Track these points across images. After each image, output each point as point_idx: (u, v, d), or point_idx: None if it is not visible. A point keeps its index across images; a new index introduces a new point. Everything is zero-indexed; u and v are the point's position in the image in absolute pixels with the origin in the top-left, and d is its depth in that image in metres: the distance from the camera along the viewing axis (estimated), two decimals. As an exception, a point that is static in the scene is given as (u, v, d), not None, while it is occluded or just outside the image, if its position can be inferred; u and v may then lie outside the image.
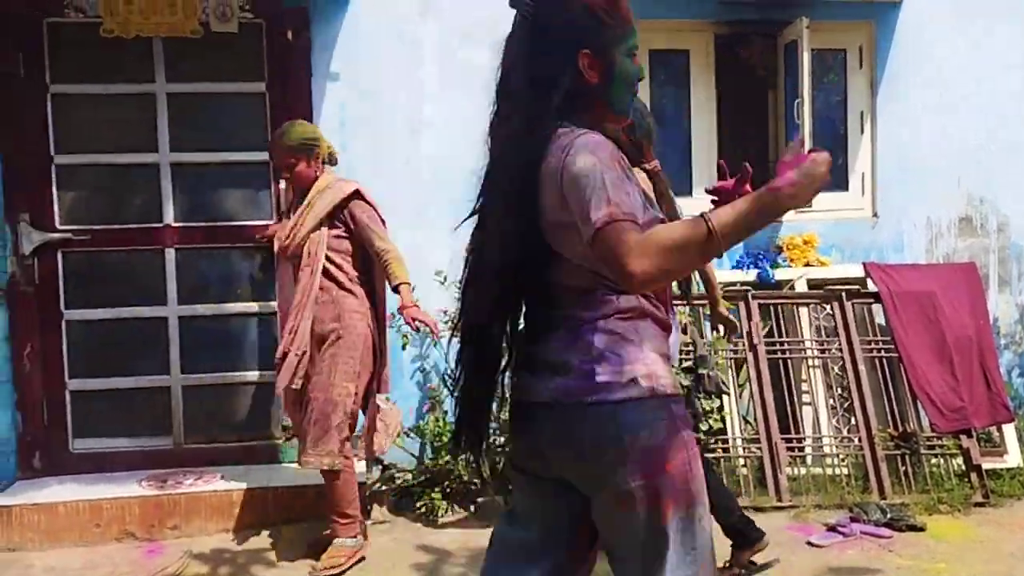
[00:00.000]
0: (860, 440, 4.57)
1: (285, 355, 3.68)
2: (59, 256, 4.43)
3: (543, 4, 1.75)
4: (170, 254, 4.51)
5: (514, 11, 1.79)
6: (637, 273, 1.50)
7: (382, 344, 3.86)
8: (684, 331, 4.78)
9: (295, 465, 4.06)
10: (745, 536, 3.55)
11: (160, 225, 4.51)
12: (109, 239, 4.46)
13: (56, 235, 4.40)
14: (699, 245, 1.52)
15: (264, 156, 4.47)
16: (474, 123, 4.99)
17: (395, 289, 3.65)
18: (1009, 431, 4.80)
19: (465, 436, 1.87)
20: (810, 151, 1.60)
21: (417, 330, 3.72)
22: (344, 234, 3.72)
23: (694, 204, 5.09)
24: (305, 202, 3.73)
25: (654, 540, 1.68)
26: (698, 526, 1.69)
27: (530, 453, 1.80)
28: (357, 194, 3.74)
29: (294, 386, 3.67)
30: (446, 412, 4.61)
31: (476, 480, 4.36)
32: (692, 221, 1.55)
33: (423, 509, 4.33)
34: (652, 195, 3.52)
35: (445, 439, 4.49)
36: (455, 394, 1.88)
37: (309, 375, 3.68)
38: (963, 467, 4.57)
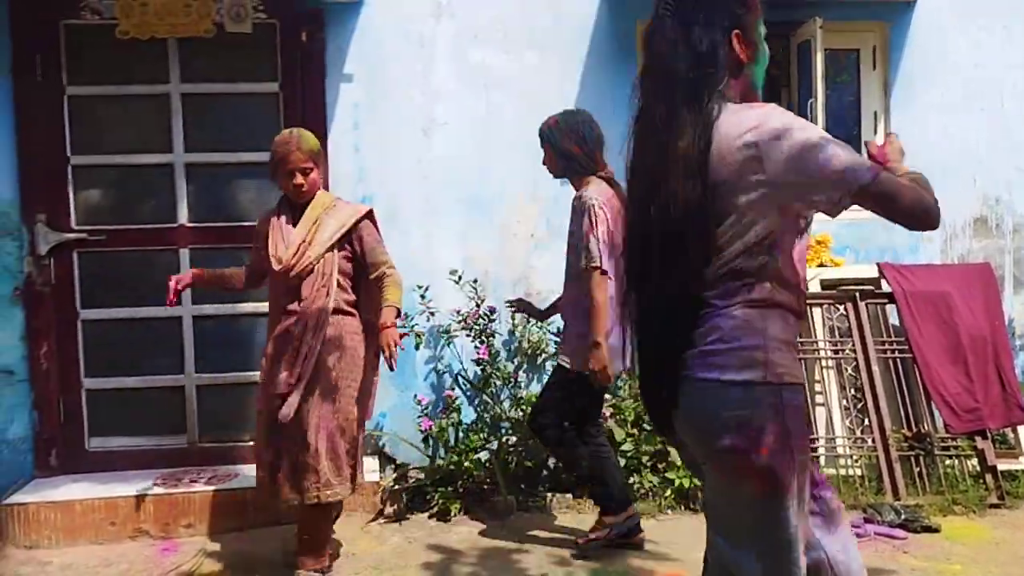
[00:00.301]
0: (874, 441, 4.56)
1: (291, 386, 3.41)
2: (75, 256, 4.47)
3: None
4: (184, 254, 4.54)
5: None
6: (935, 208, 1.78)
7: (373, 370, 3.67)
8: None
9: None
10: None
11: (175, 225, 4.54)
12: (124, 239, 4.49)
13: (72, 235, 4.43)
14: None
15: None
16: (486, 123, 5.04)
17: (385, 306, 3.42)
18: (1024, 432, 4.78)
19: (654, 419, 1.97)
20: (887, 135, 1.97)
21: (388, 355, 3.35)
22: (349, 256, 3.55)
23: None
24: (310, 220, 3.49)
25: (740, 513, 1.82)
26: (783, 513, 1.78)
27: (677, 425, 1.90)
28: (371, 215, 3.63)
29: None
30: (459, 411, 4.62)
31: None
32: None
33: (436, 509, 4.34)
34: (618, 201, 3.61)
35: (459, 438, 4.50)
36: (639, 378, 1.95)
37: (302, 402, 3.43)
38: (978, 468, 4.55)
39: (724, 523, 1.88)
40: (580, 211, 3.68)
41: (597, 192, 3.67)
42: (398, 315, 3.43)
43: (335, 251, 3.49)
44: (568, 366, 3.72)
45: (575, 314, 3.72)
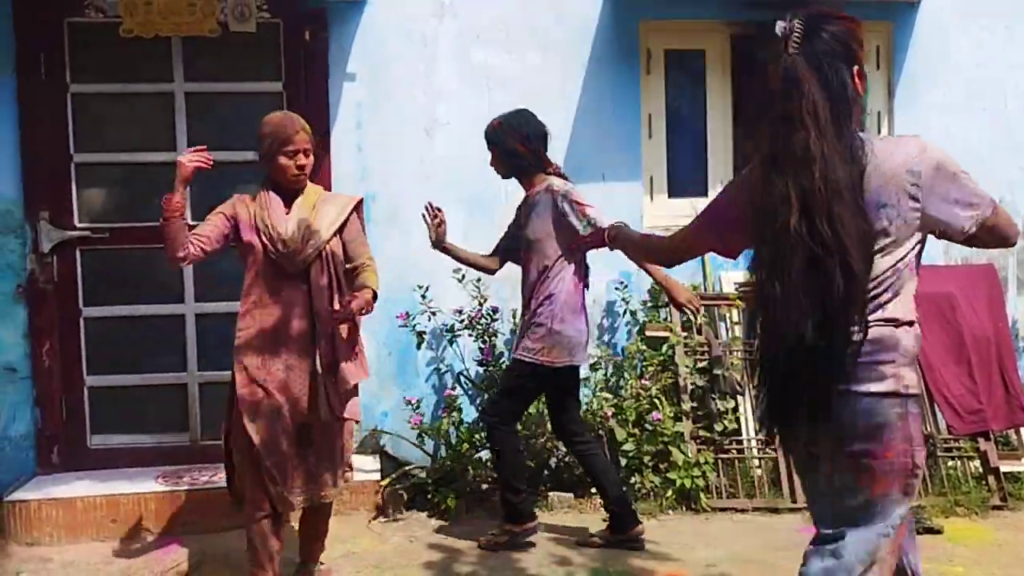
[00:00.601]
0: (876, 442, 4.54)
1: (311, 384, 3.27)
2: (78, 254, 4.47)
3: (830, 30, 2.01)
4: (187, 252, 4.54)
5: (789, 35, 2.01)
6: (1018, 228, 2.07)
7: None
8: (699, 332, 4.78)
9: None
10: (622, 521, 3.85)
11: (178, 223, 4.55)
12: (127, 237, 4.50)
13: (75, 233, 4.44)
14: None
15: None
16: (488, 123, 5.01)
17: (361, 288, 3.31)
18: (1027, 434, 4.77)
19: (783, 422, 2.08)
20: None
21: (351, 311, 3.20)
22: (340, 245, 3.41)
23: (706, 203, 5.08)
24: (309, 204, 3.34)
25: (855, 510, 2.00)
26: (897, 514, 1.99)
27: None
28: (360, 205, 3.54)
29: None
30: (461, 411, 4.62)
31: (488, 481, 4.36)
32: None
33: (437, 507, 4.34)
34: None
35: (460, 438, 4.50)
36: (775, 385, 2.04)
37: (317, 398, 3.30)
38: (980, 470, 4.54)
39: (842, 519, 2.02)
40: (548, 203, 3.78)
41: (561, 181, 3.84)
42: (374, 299, 3.30)
43: (338, 238, 3.37)
44: (535, 360, 3.76)
45: (545, 308, 3.77)
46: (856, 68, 2.03)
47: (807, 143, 1.91)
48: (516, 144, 3.84)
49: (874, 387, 1.95)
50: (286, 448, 3.23)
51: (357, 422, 3.55)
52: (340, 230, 3.38)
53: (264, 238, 3.25)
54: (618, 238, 2.64)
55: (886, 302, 1.97)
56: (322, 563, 3.59)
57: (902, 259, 1.97)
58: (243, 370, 3.25)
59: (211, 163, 3.24)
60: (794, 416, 2.03)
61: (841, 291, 1.88)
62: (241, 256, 3.35)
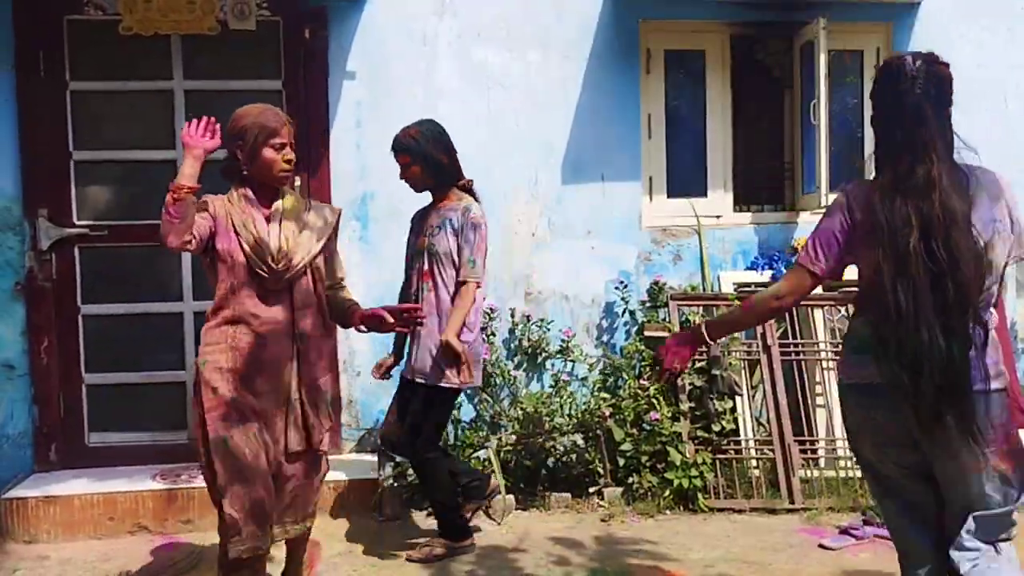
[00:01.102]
0: (874, 443, 4.54)
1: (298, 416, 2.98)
2: (76, 251, 4.47)
3: (941, 74, 2.37)
4: (186, 250, 4.54)
5: (916, 77, 2.31)
6: None
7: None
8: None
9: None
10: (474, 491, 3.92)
11: (176, 221, 4.54)
12: (126, 235, 4.50)
13: (74, 230, 4.44)
14: None
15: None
16: (488, 122, 5.02)
17: (352, 306, 3.11)
18: (1026, 436, 4.76)
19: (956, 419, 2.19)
20: None
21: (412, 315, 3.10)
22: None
23: (708, 205, 5.09)
24: (293, 214, 3.00)
25: (983, 495, 2.22)
26: (1014, 493, 2.24)
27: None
28: (340, 216, 3.24)
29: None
30: (459, 411, 4.61)
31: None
32: None
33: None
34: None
35: (458, 436, 4.50)
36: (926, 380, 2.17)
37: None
38: (978, 471, 4.53)
39: (965, 503, 2.24)
40: (465, 226, 3.65)
41: (479, 209, 3.71)
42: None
43: (322, 253, 3.05)
44: (441, 384, 3.61)
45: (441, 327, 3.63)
46: (950, 108, 2.35)
47: (929, 173, 2.21)
48: (441, 155, 3.71)
49: (995, 384, 2.24)
50: (261, 489, 2.87)
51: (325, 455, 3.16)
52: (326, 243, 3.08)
53: (247, 248, 2.89)
54: (713, 329, 2.66)
55: (989, 313, 2.27)
56: None
57: (1000, 276, 2.28)
58: (212, 397, 2.86)
59: (217, 135, 2.88)
60: (940, 419, 2.17)
61: (956, 302, 2.14)
62: (208, 266, 2.97)
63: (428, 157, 3.69)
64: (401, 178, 3.77)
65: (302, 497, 3.04)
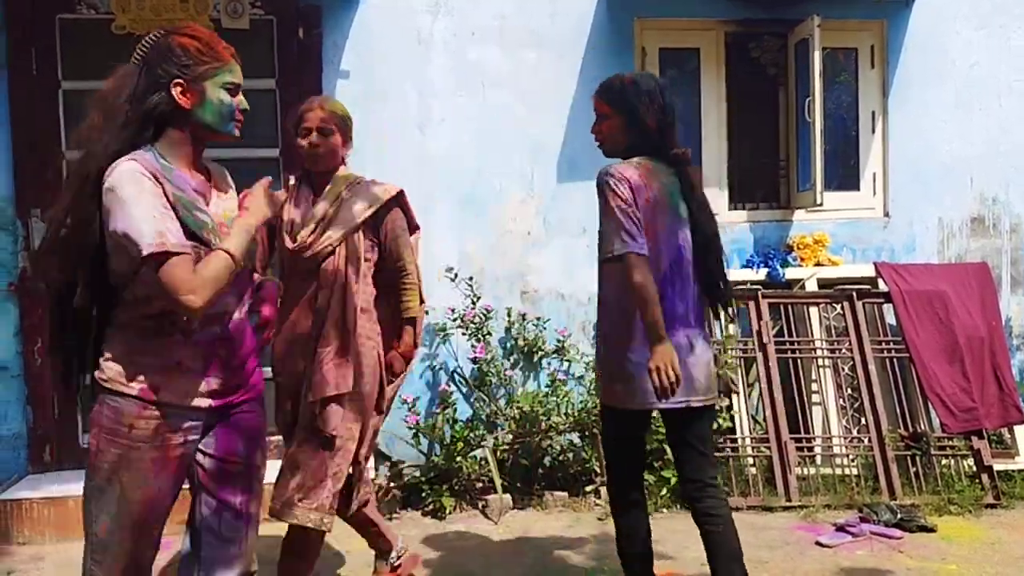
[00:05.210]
0: (870, 440, 4.55)
1: (337, 398, 2.95)
2: (70, 251, 4.44)
3: None
4: (180, 250, 4.52)
5: None
6: None
7: (389, 379, 3.16)
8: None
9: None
10: None
11: (170, 221, 4.53)
12: (120, 235, 4.47)
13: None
14: None
15: (275, 152, 4.50)
16: (482, 121, 5.01)
17: (405, 321, 3.12)
18: (1021, 432, 4.78)
19: None
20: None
21: (393, 373, 3.14)
22: (374, 242, 3.07)
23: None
24: (332, 195, 3.02)
25: None
26: None
27: None
28: (402, 197, 3.14)
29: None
30: (455, 409, 4.61)
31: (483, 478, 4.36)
32: None
33: (431, 506, 4.33)
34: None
35: (455, 436, 4.49)
36: None
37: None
38: (974, 468, 4.54)
39: None
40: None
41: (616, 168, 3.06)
42: (415, 328, 3.13)
43: (360, 234, 3.00)
44: None
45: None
46: None
47: None
48: (649, 116, 2.89)
49: None
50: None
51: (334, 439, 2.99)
52: (367, 225, 3.02)
53: (282, 230, 3.02)
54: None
55: None
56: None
57: None
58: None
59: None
60: None
61: None
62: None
63: (633, 112, 2.90)
64: (592, 132, 3.04)
65: (306, 476, 2.94)
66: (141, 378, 2.05)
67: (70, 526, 4.01)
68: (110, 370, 2.07)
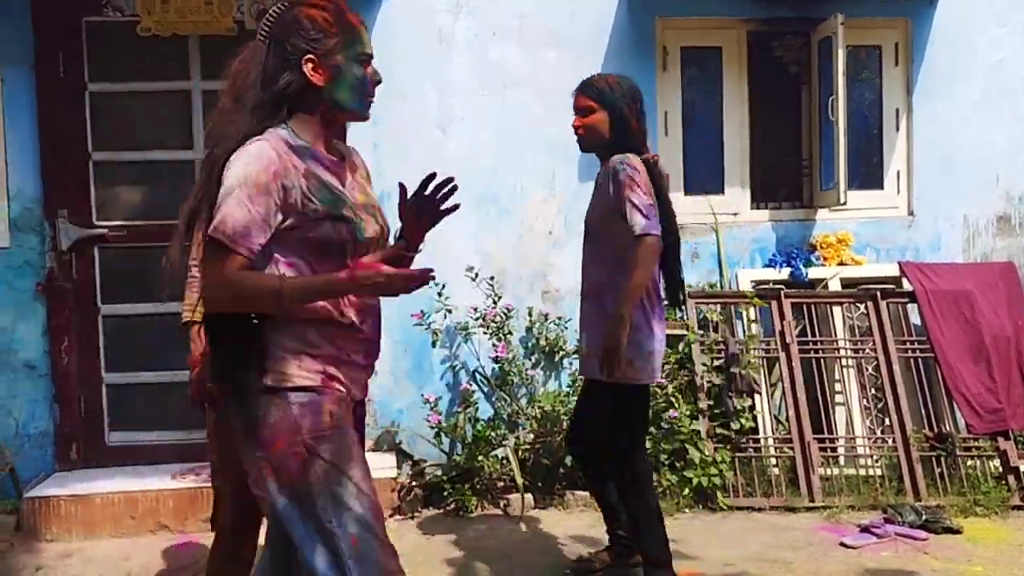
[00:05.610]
0: (894, 441, 4.52)
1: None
2: (96, 252, 4.50)
3: None
4: (204, 250, 4.56)
5: None
6: None
7: None
8: (715, 329, 4.76)
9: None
10: None
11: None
12: (145, 235, 4.51)
13: (93, 231, 4.47)
14: None
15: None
16: (503, 120, 5.03)
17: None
18: (1048, 433, 4.72)
19: None
20: (385, 262, 1.97)
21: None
22: None
23: (725, 203, 5.06)
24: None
25: None
26: None
27: None
28: None
29: None
30: (477, 408, 4.62)
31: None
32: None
33: (453, 505, 4.34)
34: None
35: (476, 435, 4.50)
36: None
37: None
38: (1000, 469, 4.50)
39: None
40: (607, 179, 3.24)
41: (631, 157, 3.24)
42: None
43: None
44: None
45: None
46: None
47: None
48: (631, 115, 3.19)
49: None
50: None
51: None
52: None
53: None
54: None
55: None
56: None
57: None
58: None
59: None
60: None
61: None
62: None
63: (618, 110, 3.18)
64: (575, 126, 3.28)
65: None
66: (319, 368, 1.90)
67: (97, 523, 4.06)
68: (288, 367, 1.89)
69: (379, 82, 2.08)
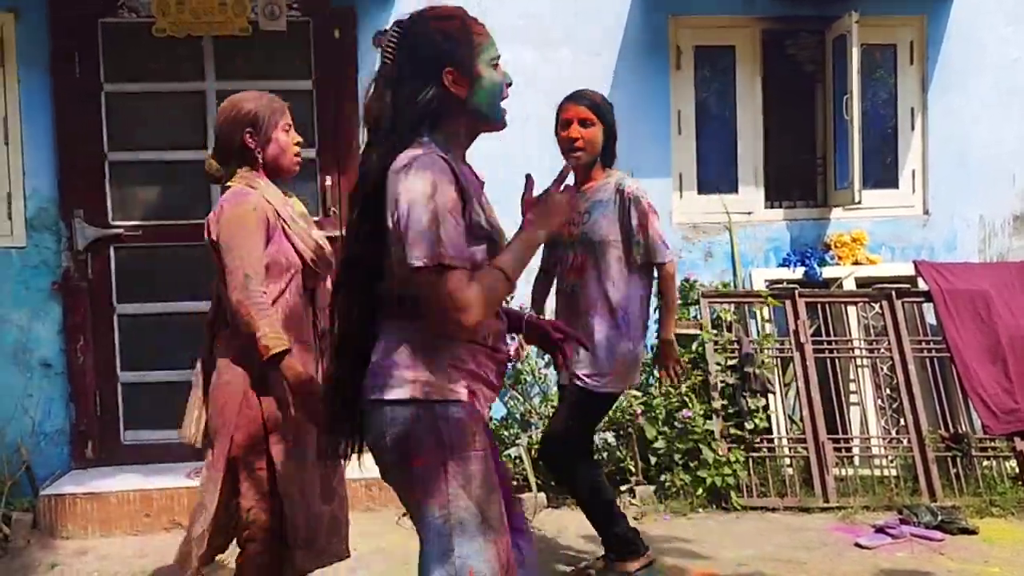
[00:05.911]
0: (909, 441, 4.49)
1: None
2: (112, 251, 4.53)
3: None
4: (219, 250, 4.58)
5: None
6: None
7: None
8: (729, 328, 4.75)
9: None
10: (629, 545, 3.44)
11: (209, 221, 4.59)
12: (160, 234, 4.55)
13: (109, 231, 4.50)
14: None
15: (312, 153, 4.53)
16: (517, 121, 5.01)
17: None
18: (1065, 434, 4.68)
19: None
20: (549, 188, 2.01)
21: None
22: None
23: (739, 202, 5.05)
24: (299, 211, 2.87)
25: None
26: None
27: None
28: None
29: None
30: (490, 408, 4.61)
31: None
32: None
33: (466, 504, 4.34)
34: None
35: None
36: None
37: None
38: (1016, 470, 4.47)
39: None
40: (612, 201, 3.31)
41: (634, 180, 3.41)
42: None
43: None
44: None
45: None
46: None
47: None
48: (614, 131, 3.30)
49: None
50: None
51: None
52: None
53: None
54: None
55: None
56: None
57: None
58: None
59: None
60: None
61: None
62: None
63: (610, 126, 3.28)
64: (565, 134, 3.29)
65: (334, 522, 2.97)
66: (465, 384, 1.84)
67: (112, 521, 4.09)
68: (430, 378, 1.81)
69: (510, 84, 1.98)
